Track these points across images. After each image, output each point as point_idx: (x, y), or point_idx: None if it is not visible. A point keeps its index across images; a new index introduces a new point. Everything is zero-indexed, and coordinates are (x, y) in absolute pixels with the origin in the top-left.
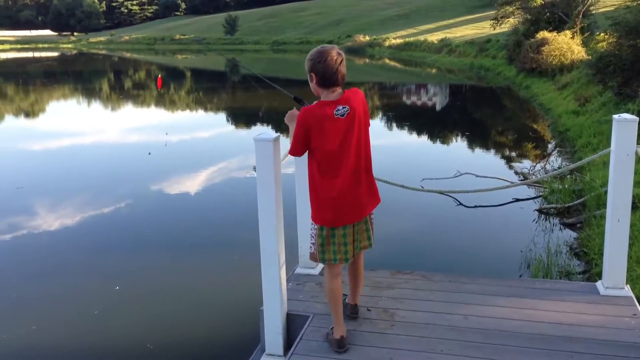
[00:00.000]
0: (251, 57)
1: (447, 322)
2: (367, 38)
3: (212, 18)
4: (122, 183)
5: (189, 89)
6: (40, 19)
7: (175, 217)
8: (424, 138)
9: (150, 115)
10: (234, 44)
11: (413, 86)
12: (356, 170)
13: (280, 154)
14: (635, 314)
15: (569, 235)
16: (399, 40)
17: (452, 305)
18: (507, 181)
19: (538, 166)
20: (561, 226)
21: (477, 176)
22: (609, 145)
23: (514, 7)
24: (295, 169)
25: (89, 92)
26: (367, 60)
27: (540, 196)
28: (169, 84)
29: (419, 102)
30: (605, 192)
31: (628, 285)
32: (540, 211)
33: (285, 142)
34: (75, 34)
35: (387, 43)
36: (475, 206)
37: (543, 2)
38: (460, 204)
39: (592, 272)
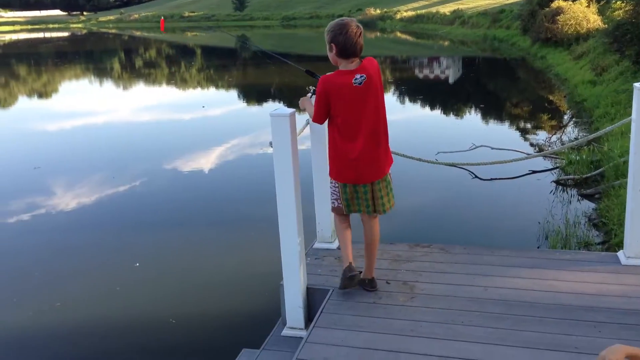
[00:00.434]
0: (261, 33)
1: (467, 294)
2: (378, 11)
3: None
4: (138, 161)
5: (200, 67)
6: None
7: (192, 194)
8: (438, 111)
9: (162, 93)
10: (243, 20)
11: (425, 59)
12: (374, 133)
13: (296, 129)
14: None
15: (587, 206)
16: (410, 13)
17: (472, 277)
18: (524, 153)
19: (554, 137)
20: (579, 197)
21: (492, 148)
22: (626, 114)
23: None
24: (311, 144)
25: (101, 72)
26: (379, 34)
27: (557, 167)
28: (180, 62)
29: (431, 76)
30: (624, 162)
31: None
32: (557, 182)
33: (300, 118)
34: (84, 13)
35: (398, 16)
36: (492, 179)
37: None
38: (476, 176)
39: (612, 242)
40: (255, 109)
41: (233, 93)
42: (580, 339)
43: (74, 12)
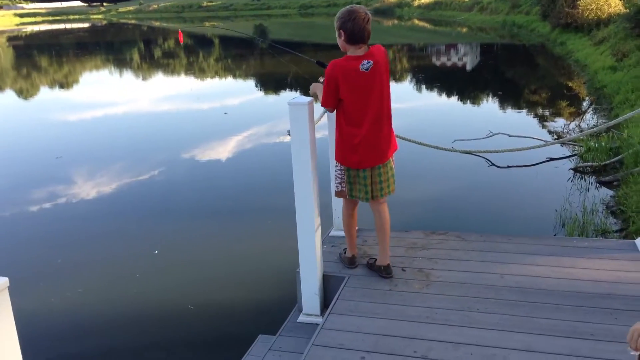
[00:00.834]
0: (278, 22)
1: (483, 281)
2: None
3: None
4: (157, 151)
5: (218, 57)
6: None
7: (210, 183)
8: (455, 99)
9: (181, 83)
10: (261, 9)
11: (443, 47)
12: (378, 119)
13: (314, 118)
14: None
15: (606, 193)
16: (428, 0)
17: (488, 264)
18: (541, 140)
19: (573, 124)
20: (597, 184)
21: (510, 136)
22: None
23: None
24: (329, 132)
25: (121, 62)
26: (396, 22)
27: (575, 155)
28: (198, 52)
29: (449, 63)
30: None
31: None
32: (575, 170)
33: (318, 107)
34: (104, 4)
35: (416, 3)
36: (508, 166)
37: None
38: (493, 164)
39: (630, 230)
40: (272, 98)
41: (250, 82)
42: (596, 326)
43: (94, 4)
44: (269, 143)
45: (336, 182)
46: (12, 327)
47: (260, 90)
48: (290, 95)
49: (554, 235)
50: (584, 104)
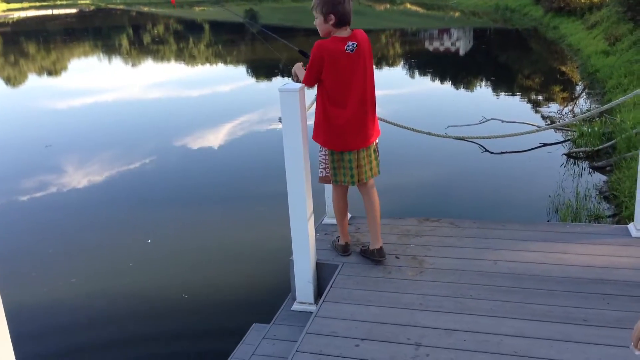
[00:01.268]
0: (270, 6)
1: (476, 268)
2: None
3: None
4: (148, 138)
5: (208, 42)
6: None
7: (201, 171)
8: (448, 84)
9: (171, 69)
10: None
11: (435, 31)
12: (363, 102)
13: (305, 105)
14: None
15: (599, 178)
16: None
17: (481, 251)
18: (535, 125)
19: (566, 109)
20: (590, 170)
21: (503, 121)
22: None
23: None
24: None
25: (109, 49)
26: (388, 6)
27: (568, 140)
28: (188, 38)
29: (441, 48)
30: (637, 134)
31: None
32: (568, 155)
33: (309, 93)
34: None
35: None
36: (502, 152)
37: None
38: (486, 150)
39: (623, 215)
40: (263, 84)
41: (242, 69)
42: (589, 311)
43: None
44: (261, 130)
45: (320, 167)
46: (2, 318)
47: (251, 76)
48: (281, 82)
49: (548, 221)
50: (577, 88)
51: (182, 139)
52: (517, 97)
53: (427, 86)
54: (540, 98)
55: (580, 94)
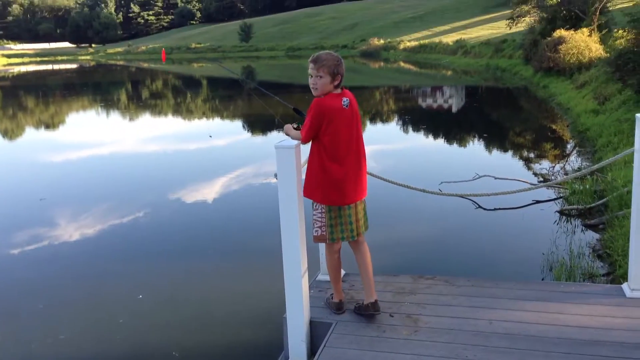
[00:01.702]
0: (266, 63)
1: (472, 327)
2: (382, 41)
3: (227, 26)
4: (143, 192)
5: (205, 97)
6: (58, 31)
7: (195, 225)
8: (441, 141)
9: (168, 124)
10: (249, 51)
11: (428, 89)
12: (357, 155)
13: (301, 161)
14: None
15: (592, 236)
16: (413, 43)
17: (476, 310)
18: (527, 183)
19: (558, 167)
20: (583, 227)
21: (496, 178)
22: (629, 144)
23: (530, 6)
24: None
25: (108, 103)
26: (382, 64)
27: (561, 197)
28: (186, 94)
29: (434, 105)
30: (628, 192)
31: None
32: (561, 213)
33: (305, 149)
34: (93, 45)
35: (401, 46)
36: (495, 209)
37: (559, 0)
38: (480, 206)
39: (616, 274)
40: (259, 139)
41: (238, 123)
42: None
43: (83, 45)
44: (255, 184)
45: (315, 226)
46: None
47: (247, 131)
48: (276, 137)
49: (542, 279)
50: (568, 146)
51: (177, 192)
52: (509, 154)
53: (421, 142)
54: (531, 155)
55: (571, 151)
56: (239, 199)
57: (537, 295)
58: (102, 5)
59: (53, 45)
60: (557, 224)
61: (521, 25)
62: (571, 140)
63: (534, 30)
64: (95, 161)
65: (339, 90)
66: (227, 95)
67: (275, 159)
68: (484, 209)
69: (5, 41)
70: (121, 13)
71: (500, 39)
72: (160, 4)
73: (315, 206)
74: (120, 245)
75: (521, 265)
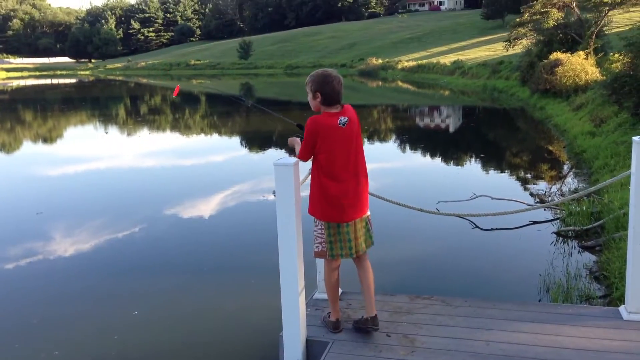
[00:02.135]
0: (265, 81)
1: (469, 348)
2: (380, 61)
3: (227, 43)
4: (140, 207)
5: (204, 114)
6: (58, 46)
7: (192, 240)
8: (439, 160)
9: (166, 139)
10: (247, 68)
11: (426, 108)
12: (355, 173)
13: (299, 179)
14: None
15: (588, 258)
16: (411, 63)
17: (473, 330)
18: (524, 203)
19: (554, 188)
20: (580, 249)
21: (493, 198)
22: (626, 166)
23: (527, 29)
24: None
25: (106, 118)
26: (380, 83)
27: (557, 218)
28: (185, 109)
29: (432, 124)
30: (624, 214)
31: None
32: (558, 234)
33: (303, 167)
34: (92, 60)
35: (399, 66)
36: (492, 229)
37: (556, 24)
38: (477, 226)
39: (613, 296)
40: (257, 155)
41: (236, 140)
42: None
43: (82, 60)
44: (253, 201)
45: (316, 242)
46: None
47: (245, 147)
48: (274, 153)
49: (539, 300)
50: (565, 167)
51: (174, 207)
52: (506, 175)
53: (418, 161)
54: (528, 176)
55: (568, 173)
56: (237, 215)
57: (534, 316)
58: (103, 21)
59: (53, 60)
60: (554, 245)
61: (518, 48)
62: (568, 162)
63: (530, 53)
64: (93, 176)
65: (337, 108)
66: (226, 111)
67: (274, 176)
68: (481, 229)
69: (5, 55)
70: (121, 29)
71: (497, 61)
72: (160, 21)
73: (316, 222)
74: (116, 260)
75: (518, 285)
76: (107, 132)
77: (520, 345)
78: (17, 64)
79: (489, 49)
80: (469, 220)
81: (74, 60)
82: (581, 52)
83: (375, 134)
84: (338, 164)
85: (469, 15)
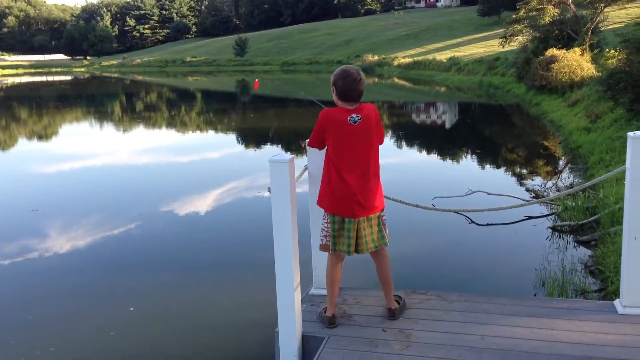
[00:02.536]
0: (261, 77)
1: (464, 343)
2: (376, 57)
3: (223, 40)
4: (136, 204)
5: (200, 110)
6: (53, 43)
7: (188, 237)
8: (435, 156)
9: (162, 136)
10: (244, 65)
11: (422, 105)
12: (365, 172)
13: (295, 175)
14: None
15: (584, 253)
16: (407, 60)
17: (469, 325)
18: (520, 199)
19: (550, 183)
20: (575, 244)
21: (489, 194)
22: (621, 161)
23: (523, 25)
24: (309, 189)
25: (101, 115)
26: (377, 80)
27: (553, 214)
28: (180, 106)
29: (428, 121)
30: (619, 209)
31: None
32: (553, 229)
33: (299, 163)
34: (88, 57)
35: (395, 62)
36: (488, 224)
37: (552, 20)
38: (473, 222)
39: (608, 290)
40: (253, 152)
41: (231, 136)
42: None
43: (78, 57)
44: (249, 197)
45: (321, 234)
46: None
47: (241, 144)
48: (270, 150)
49: (535, 295)
50: (560, 163)
51: (170, 204)
52: (502, 170)
53: (414, 157)
54: (524, 171)
55: (563, 168)
56: (233, 211)
57: (529, 311)
58: (98, 18)
59: (48, 57)
60: (550, 239)
61: (514, 44)
62: (563, 157)
63: (526, 49)
64: (88, 172)
65: (353, 105)
66: (222, 108)
67: (269, 172)
68: (477, 224)
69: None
70: (117, 26)
71: (493, 57)
72: (156, 18)
73: (324, 215)
74: (112, 256)
75: (514, 280)
76: (102, 129)
77: (516, 340)
78: (12, 61)
79: (485, 46)
80: (465, 215)
81: (69, 58)
82: (577, 49)
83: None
84: (345, 160)
85: (465, 12)
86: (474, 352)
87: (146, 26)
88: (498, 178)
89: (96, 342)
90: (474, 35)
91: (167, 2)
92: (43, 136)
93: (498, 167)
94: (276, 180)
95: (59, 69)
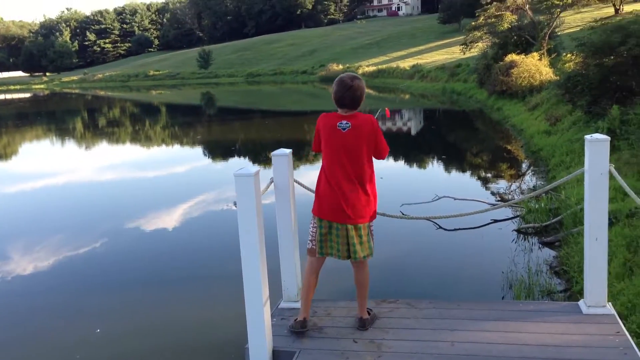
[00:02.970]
0: (226, 89)
1: (434, 350)
2: (341, 67)
3: (186, 53)
4: (101, 221)
5: (165, 124)
6: (11, 60)
7: (154, 253)
8: (401, 163)
9: (126, 152)
10: (208, 77)
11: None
12: (351, 179)
13: (260, 189)
14: (618, 332)
15: (549, 253)
16: (371, 68)
17: (438, 332)
18: (486, 203)
19: (514, 186)
20: (540, 245)
21: (455, 199)
22: (581, 163)
23: (482, 32)
24: (276, 201)
25: (63, 132)
26: None
27: (517, 216)
28: (144, 120)
29: (394, 128)
30: (581, 210)
31: (609, 303)
32: (518, 231)
33: (264, 176)
34: (47, 74)
35: (360, 71)
36: (455, 229)
37: (510, 26)
38: (440, 227)
39: (574, 289)
40: (220, 165)
41: (198, 150)
42: None
43: (37, 73)
44: (216, 210)
45: (309, 238)
46: None
47: (207, 157)
48: (237, 162)
49: (502, 298)
50: (523, 166)
51: (135, 220)
52: (467, 175)
53: (381, 164)
54: (489, 175)
55: (526, 171)
56: (200, 225)
57: (497, 315)
58: (57, 33)
59: (5, 74)
60: (515, 242)
61: (474, 51)
62: (526, 160)
63: (486, 55)
64: (51, 191)
65: (346, 112)
66: (187, 121)
67: (235, 186)
68: (445, 229)
69: None
70: (77, 41)
71: (455, 64)
72: (117, 32)
73: (312, 219)
74: (76, 276)
75: (482, 284)
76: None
77: (484, 344)
78: None
79: (447, 53)
80: (433, 221)
81: (28, 74)
82: (535, 54)
83: None
84: (332, 163)
85: (426, 20)
86: (444, 359)
87: (107, 40)
88: (464, 183)
89: None
90: (435, 42)
91: (128, 16)
92: (2, 155)
93: (463, 171)
94: (242, 194)
95: (17, 87)
